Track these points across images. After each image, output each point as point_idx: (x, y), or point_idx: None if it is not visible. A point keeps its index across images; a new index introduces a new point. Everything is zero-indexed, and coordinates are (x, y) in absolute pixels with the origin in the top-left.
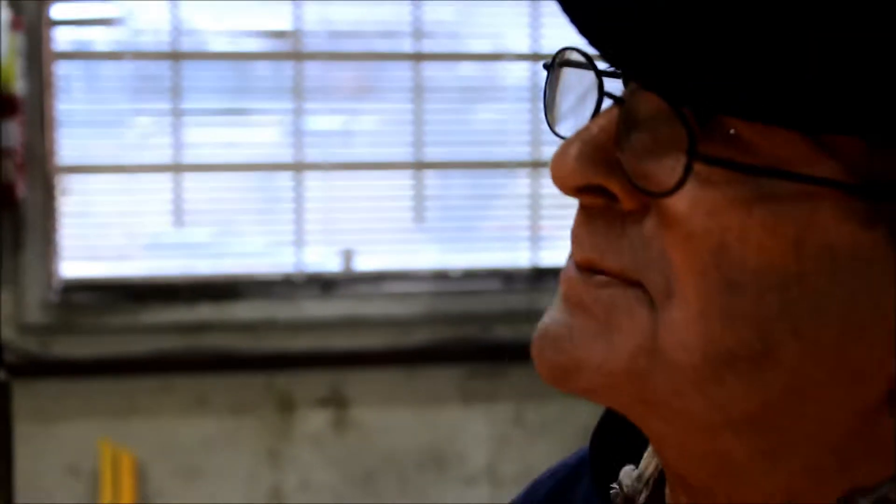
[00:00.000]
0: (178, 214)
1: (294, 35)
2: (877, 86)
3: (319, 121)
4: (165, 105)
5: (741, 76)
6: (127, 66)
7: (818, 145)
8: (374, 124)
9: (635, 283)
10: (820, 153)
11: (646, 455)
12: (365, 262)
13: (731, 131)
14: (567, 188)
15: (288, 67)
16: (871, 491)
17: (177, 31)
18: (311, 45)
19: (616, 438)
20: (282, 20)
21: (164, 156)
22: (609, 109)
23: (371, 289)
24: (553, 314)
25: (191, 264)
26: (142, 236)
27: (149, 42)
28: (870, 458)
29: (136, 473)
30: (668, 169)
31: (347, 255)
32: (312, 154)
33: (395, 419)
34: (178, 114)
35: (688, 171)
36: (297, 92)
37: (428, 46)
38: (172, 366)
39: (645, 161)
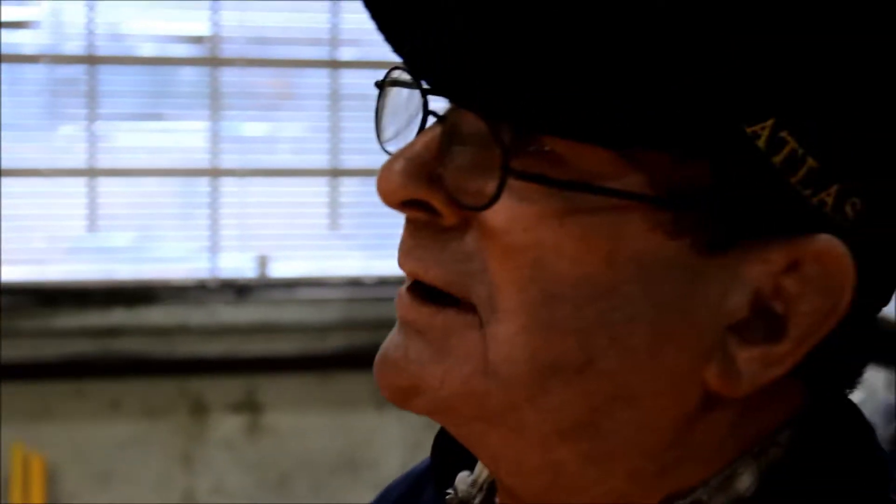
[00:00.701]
0: (93, 219)
1: (212, 40)
2: (676, 101)
3: (237, 127)
4: (83, 109)
5: (549, 95)
6: (44, 70)
7: (625, 159)
8: (292, 131)
9: (464, 303)
10: (627, 167)
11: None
12: (280, 269)
13: (546, 147)
14: (392, 203)
15: (206, 73)
16: (685, 495)
17: (94, 34)
18: (230, 50)
19: (456, 445)
20: (201, 25)
21: (81, 160)
22: (433, 127)
23: (286, 295)
24: (393, 337)
25: (108, 268)
26: (58, 240)
27: (67, 46)
28: (688, 462)
29: (48, 477)
30: (484, 184)
31: (262, 261)
32: (230, 160)
33: (309, 424)
34: (94, 118)
35: (501, 186)
36: (215, 97)
37: (346, 54)
38: (86, 370)
39: (464, 176)
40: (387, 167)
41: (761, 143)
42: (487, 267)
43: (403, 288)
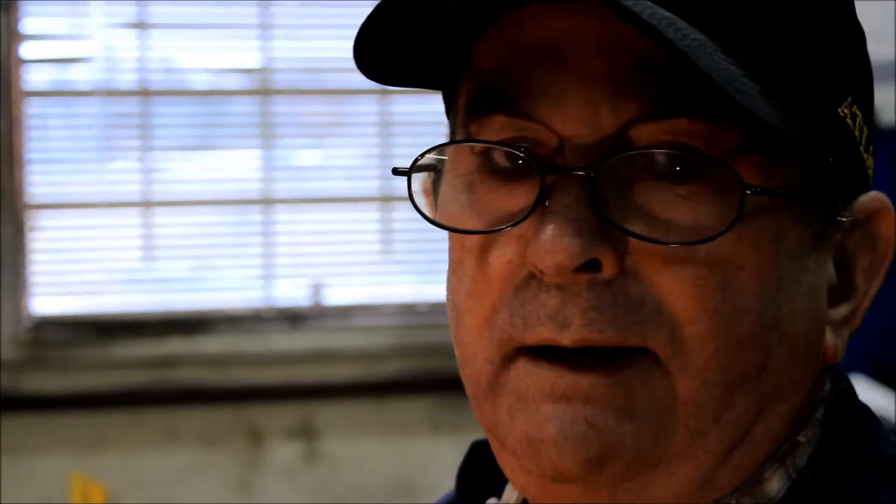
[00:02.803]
0: (148, 250)
1: (263, 71)
2: (807, 97)
3: (289, 156)
4: (137, 142)
5: (773, 101)
6: (98, 104)
7: (770, 161)
8: (343, 159)
9: (638, 353)
10: (772, 168)
11: (507, 489)
12: (334, 296)
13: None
14: (569, 269)
15: (257, 103)
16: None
17: (147, 68)
18: (281, 81)
19: (480, 475)
20: (252, 56)
21: (135, 192)
22: (562, 189)
23: (340, 322)
24: (549, 413)
25: (162, 299)
26: (113, 271)
27: (120, 80)
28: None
29: None
30: (695, 215)
31: (316, 289)
32: (282, 189)
33: (364, 450)
34: (148, 150)
35: (741, 208)
36: (267, 127)
37: None
38: (142, 399)
39: (655, 217)
40: (555, 238)
41: (849, 120)
42: (665, 306)
43: (528, 362)
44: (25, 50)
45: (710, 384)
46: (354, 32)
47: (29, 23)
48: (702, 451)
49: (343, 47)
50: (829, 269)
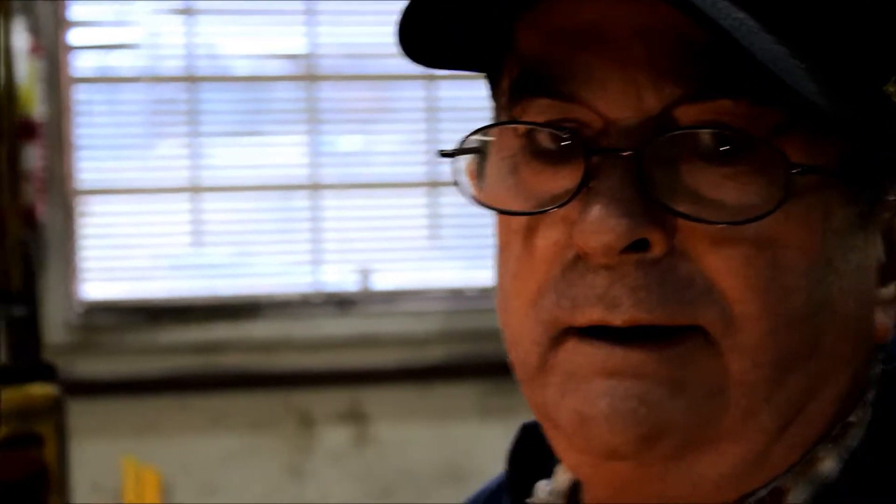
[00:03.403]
0: (196, 235)
1: (309, 57)
2: (849, 76)
3: (335, 141)
4: (183, 128)
5: (814, 81)
6: (145, 90)
7: (813, 141)
8: (389, 144)
9: (688, 331)
10: (817, 148)
11: (558, 470)
12: (382, 281)
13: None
14: (616, 249)
15: (303, 89)
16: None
17: (193, 54)
18: (326, 66)
19: (530, 457)
20: (297, 42)
21: (183, 178)
22: (607, 170)
23: (388, 307)
24: (601, 389)
25: (209, 284)
26: (161, 257)
27: (166, 66)
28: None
29: (159, 490)
30: (742, 195)
31: (364, 274)
32: (329, 174)
33: (412, 435)
34: (195, 136)
35: (788, 188)
36: (313, 113)
37: None
38: (192, 384)
39: (702, 196)
40: (601, 218)
41: (895, 99)
42: (715, 285)
43: (578, 341)
44: (73, 36)
45: (762, 364)
46: (399, 17)
47: (76, 10)
48: (753, 431)
49: (388, 32)
50: (879, 248)
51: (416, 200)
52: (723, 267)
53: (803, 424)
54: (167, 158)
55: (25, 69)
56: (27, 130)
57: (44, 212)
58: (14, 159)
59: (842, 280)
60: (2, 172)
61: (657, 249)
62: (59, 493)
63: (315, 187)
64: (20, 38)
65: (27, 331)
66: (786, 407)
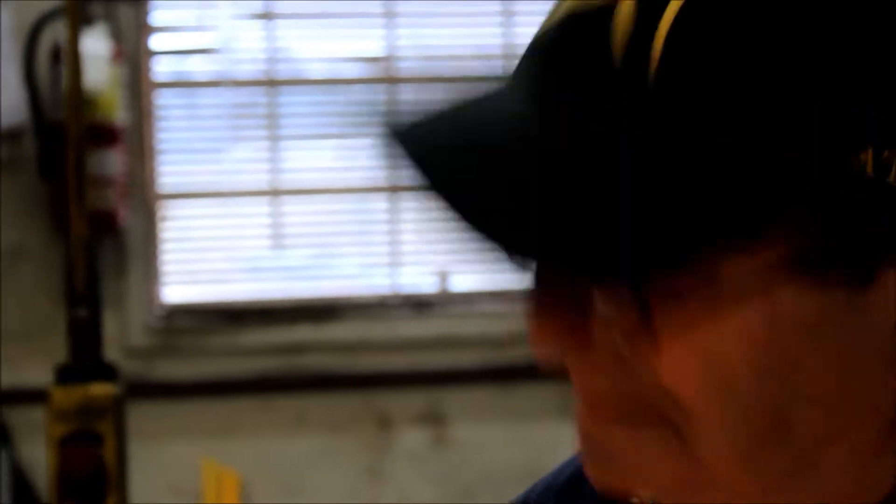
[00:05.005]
0: (277, 238)
1: (387, 59)
2: (809, 149)
3: None
4: (262, 131)
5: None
6: (224, 94)
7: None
8: None
9: (652, 412)
10: (770, 233)
11: None
12: (460, 282)
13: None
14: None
15: (382, 91)
16: None
17: (273, 58)
18: (404, 68)
19: None
20: (375, 44)
21: (262, 181)
22: None
23: (466, 308)
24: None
25: (288, 286)
26: (241, 260)
27: (245, 70)
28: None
29: (239, 491)
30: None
31: (443, 276)
32: (406, 176)
33: (492, 435)
34: (274, 139)
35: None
36: (391, 116)
37: None
38: (271, 386)
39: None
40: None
41: (869, 169)
42: (662, 379)
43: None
44: (154, 42)
45: (724, 458)
46: (478, 19)
47: (158, 15)
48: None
49: (465, 34)
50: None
51: None
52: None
53: (813, 479)
54: (247, 162)
55: (107, 75)
56: (109, 136)
57: (126, 216)
58: (80, 163)
59: (818, 363)
60: (69, 176)
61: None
62: (119, 492)
63: (393, 189)
64: (102, 45)
65: (90, 331)
66: (768, 471)
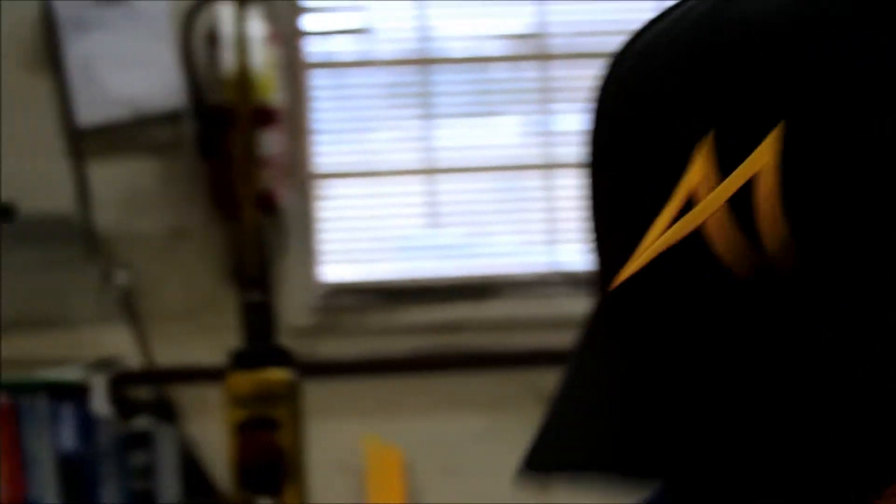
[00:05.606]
0: (432, 216)
1: (538, 36)
2: None
3: (566, 120)
4: (414, 110)
5: None
6: (377, 73)
7: None
8: None
9: None
10: None
11: None
12: None
13: None
14: None
15: (532, 68)
16: None
17: (423, 37)
18: (557, 45)
19: None
20: (525, 21)
21: (414, 159)
22: None
23: None
24: None
25: (444, 265)
26: (396, 238)
27: (395, 49)
28: None
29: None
30: None
31: None
32: (560, 153)
33: None
34: (427, 118)
35: None
36: (543, 92)
37: None
38: (431, 365)
39: None
40: None
41: None
42: None
43: None
44: (307, 22)
45: None
46: None
47: None
48: None
49: (615, 9)
50: None
51: None
52: None
53: None
54: (400, 141)
55: (265, 57)
56: (267, 117)
57: (284, 196)
58: (249, 147)
59: None
60: (238, 160)
61: None
62: (296, 477)
63: (548, 167)
64: (258, 27)
65: (263, 316)
66: None
